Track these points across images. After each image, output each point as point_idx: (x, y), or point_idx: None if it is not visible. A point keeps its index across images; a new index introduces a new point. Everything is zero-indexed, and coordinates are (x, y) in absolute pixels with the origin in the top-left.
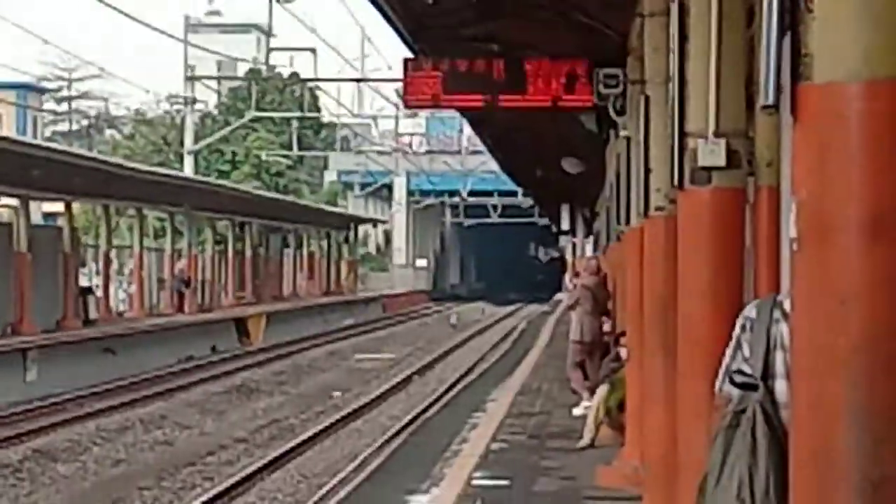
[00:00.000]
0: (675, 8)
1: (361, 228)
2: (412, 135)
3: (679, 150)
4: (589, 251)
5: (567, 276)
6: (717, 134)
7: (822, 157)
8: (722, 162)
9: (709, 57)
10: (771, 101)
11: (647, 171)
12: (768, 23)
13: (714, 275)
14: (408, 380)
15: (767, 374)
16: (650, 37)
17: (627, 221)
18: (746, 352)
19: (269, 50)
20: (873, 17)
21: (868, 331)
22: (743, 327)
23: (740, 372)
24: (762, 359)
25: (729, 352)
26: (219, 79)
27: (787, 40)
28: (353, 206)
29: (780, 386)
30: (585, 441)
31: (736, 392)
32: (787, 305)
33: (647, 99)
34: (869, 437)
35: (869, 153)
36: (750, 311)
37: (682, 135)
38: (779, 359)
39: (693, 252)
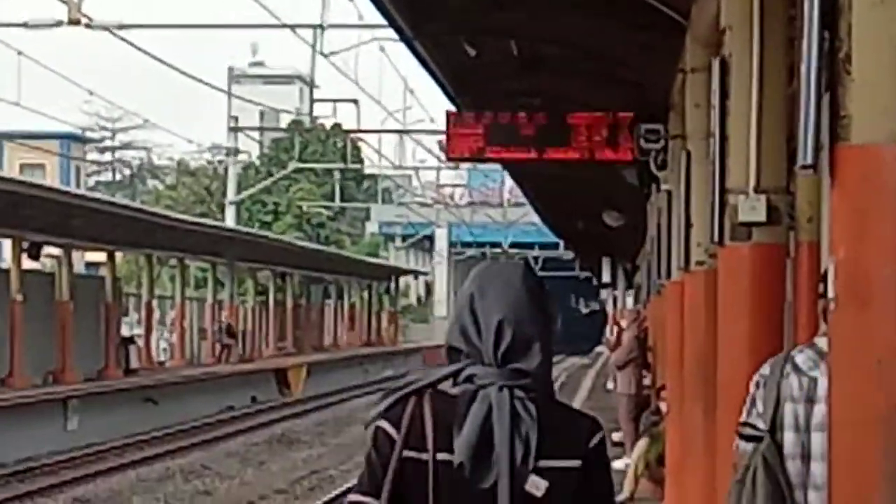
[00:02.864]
0: (716, 64)
1: (402, 280)
2: (454, 186)
3: (719, 205)
4: (630, 304)
5: (608, 329)
6: (757, 190)
7: (860, 217)
8: (762, 218)
9: (750, 113)
10: (809, 161)
11: (688, 225)
12: (807, 84)
13: (754, 330)
14: None
15: (775, 426)
16: (691, 93)
17: (668, 275)
18: (760, 407)
19: (312, 101)
20: None
21: None
22: (757, 384)
23: (750, 425)
24: (772, 412)
25: (745, 409)
26: (261, 130)
27: (825, 101)
28: (394, 257)
29: (789, 438)
30: (625, 495)
31: (749, 447)
32: (798, 359)
33: (688, 154)
34: None
35: None
36: (765, 369)
37: (723, 190)
38: (787, 411)
39: (733, 307)
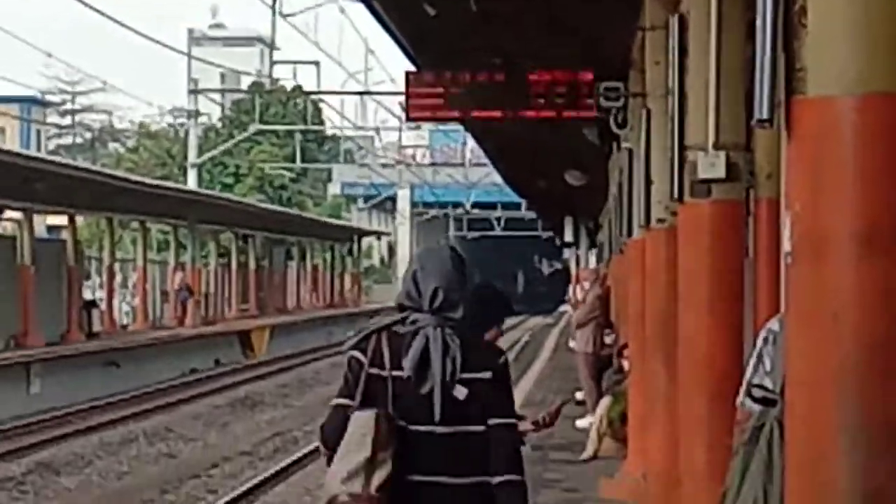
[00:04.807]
0: (674, 22)
1: (365, 241)
2: (416, 147)
3: (679, 162)
4: (592, 263)
5: (570, 288)
6: (716, 146)
7: (816, 170)
8: (721, 174)
9: (708, 70)
10: (765, 115)
11: (649, 183)
12: (763, 37)
13: (714, 287)
14: None
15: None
16: (651, 50)
17: (630, 233)
18: (768, 365)
19: (273, 63)
20: (866, 33)
21: (861, 345)
22: (766, 340)
23: (760, 387)
24: (782, 373)
25: (751, 366)
26: (222, 91)
27: (781, 55)
28: (356, 218)
29: None
30: (588, 453)
31: (756, 407)
32: None
33: (648, 112)
34: (862, 450)
35: (863, 167)
36: (773, 324)
37: (682, 147)
38: None
39: (693, 264)
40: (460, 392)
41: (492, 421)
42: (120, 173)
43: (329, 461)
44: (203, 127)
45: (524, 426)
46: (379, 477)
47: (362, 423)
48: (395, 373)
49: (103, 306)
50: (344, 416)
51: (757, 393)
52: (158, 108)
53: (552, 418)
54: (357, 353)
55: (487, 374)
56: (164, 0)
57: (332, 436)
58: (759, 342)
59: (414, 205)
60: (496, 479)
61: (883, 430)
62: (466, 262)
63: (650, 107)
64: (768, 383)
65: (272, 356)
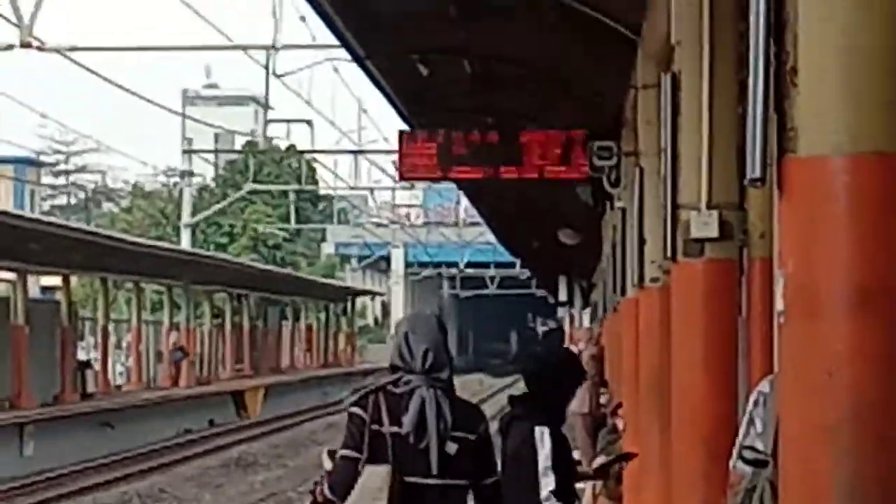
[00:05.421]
0: (667, 80)
1: (359, 300)
2: (409, 206)
3: (672, 221)
4: (586, 322)
5: None
6: (709, 206)
7: (809, 229)
8: (714, 233)
9: (701, 129)
10: (757, 174)
11: (642, 242)
12: (754, 97)
13: (707, 346)
14: None
15: (777, 447)
16: (643, 109)
17: (623, 292)
18: (759, 427)
19: (266, 122)
20: (857, 93)
21: (856, 403)
22: (756, 402)
23: (752, 448)
24: (773, 434)
25: (742, 428)
26: (216, 152)
27: (773, 114)
28: (350, 278)
29: None
30: None
31: (748, 469)
32: None
33: (640, 171)
34: None
35: (855, 226)
36: (764, 385)
37: (675, 206)
38: None
39: (686, 323)
40: (451, 448)
41: (486, 481)
42: (114, 233)
43: None
44: (197, 187)
45: (586, 471)
46: None
47: (378, 477)
48: (392, 429)
49: (97, 367)
50: (353, 467)
51: (748, 455)
52: (152, 168)
53: (619, 472)
54: (359, 410)
55: (472, 436)
56: (158, 60)
57: (342, 486)
58: (750, 405)
59: (408, 264)
60: None
61: (877, 489)
62: (447, 330)
63: (643, 166)
64: (759, 445)
65: (266, 416)
